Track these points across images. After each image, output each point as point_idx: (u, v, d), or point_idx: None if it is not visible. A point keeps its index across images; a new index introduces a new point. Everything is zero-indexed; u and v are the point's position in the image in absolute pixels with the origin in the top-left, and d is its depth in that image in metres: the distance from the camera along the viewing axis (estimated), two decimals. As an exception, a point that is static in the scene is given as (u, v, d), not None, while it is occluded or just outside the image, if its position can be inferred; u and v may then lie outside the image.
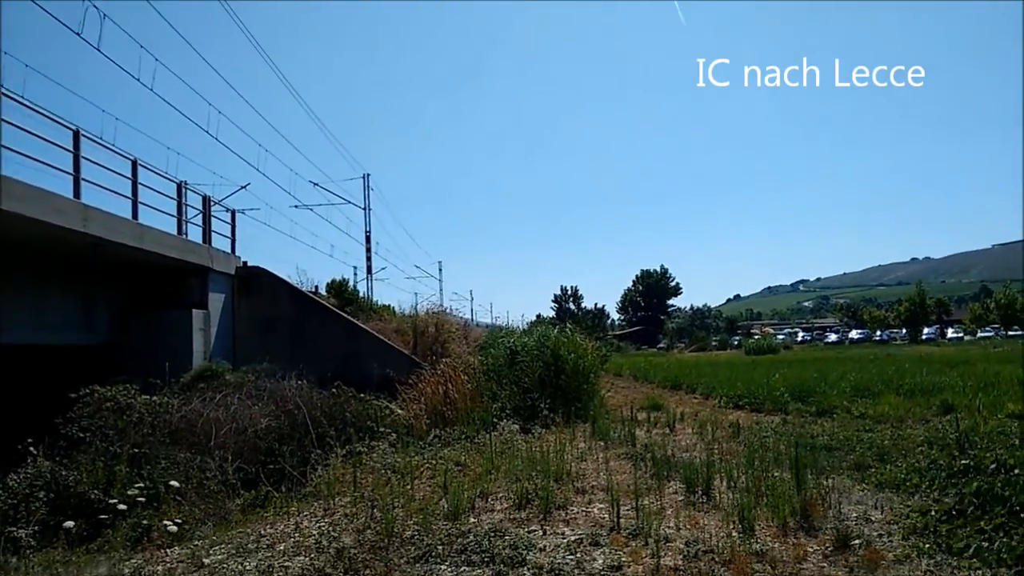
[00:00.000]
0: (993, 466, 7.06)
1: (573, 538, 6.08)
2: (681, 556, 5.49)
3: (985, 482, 6.25)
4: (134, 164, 13.06)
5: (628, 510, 6.61)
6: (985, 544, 5.16)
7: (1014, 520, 5.46)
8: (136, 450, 9.95)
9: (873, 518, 6.32)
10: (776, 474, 7.54)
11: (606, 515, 6.70)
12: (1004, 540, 5.13)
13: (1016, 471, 6.76)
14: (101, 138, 14.50)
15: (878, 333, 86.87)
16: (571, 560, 5.53)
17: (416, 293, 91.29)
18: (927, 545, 5.38)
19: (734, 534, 5.91)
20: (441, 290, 71.02)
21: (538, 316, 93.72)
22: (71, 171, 11.17)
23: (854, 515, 6.42)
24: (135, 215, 13.03)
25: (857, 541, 5.54)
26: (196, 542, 7.13)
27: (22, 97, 10.94)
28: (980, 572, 4.83)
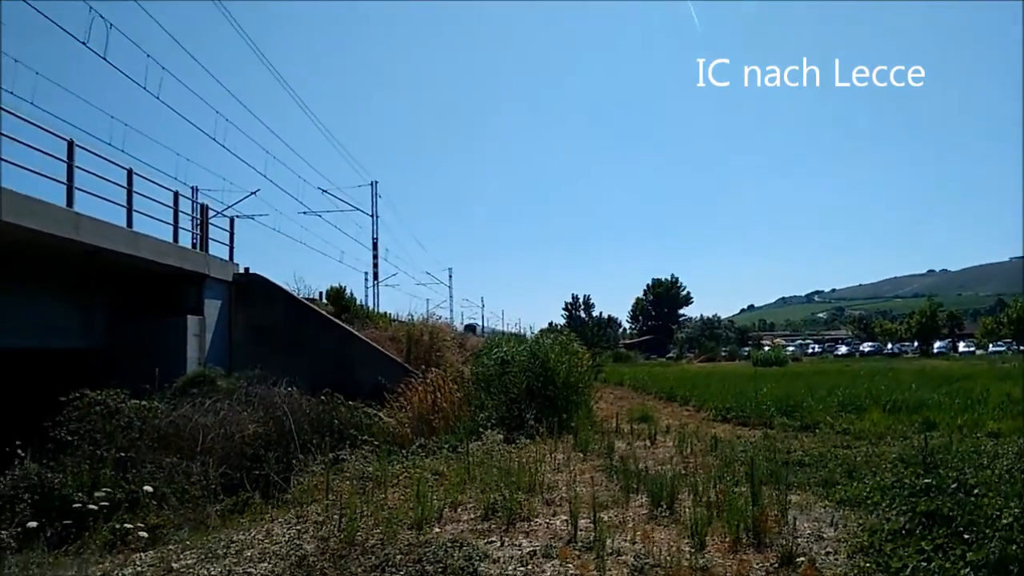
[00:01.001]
0: (954, 485, 7.12)
1: (528, 550, 6.20)
2: (628, 569, 5.62)
3: (936, 502, 6.33)
4: (129, 173, 13.37)
5: (590, 523, 6.74)
6: (924, 564, 5.25)
7: (955, 540, 5.54)
8: (122, 454, 10.19)
9: (826, 535, 6.41)
10: (740, 489, 7.64)
11: (568, 527, 6.82)
12: (941, 562, 5.22)
13: (976, 491, 6.84)
14: (110, 143, 14.89)
15: (889, 346, 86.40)
16: (520, 572, 5.66)
17: (428, 300, 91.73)
18: (868, 565, 5.48)
19: (685, 549, 6.02)
20: (451, 296, 71.39)
21: (550, 324, 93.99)
22: (65, 181, 11.47)
23: (808, 532, 6.51)
24: (130, 223, 13.33)
25: (801, 559, 5.65)
26: (170, 546, 7.30)
27: (22, 107, 11.31)
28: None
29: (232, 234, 17.84)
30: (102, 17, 12.68)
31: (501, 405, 13.63)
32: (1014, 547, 5.21)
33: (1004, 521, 5.71)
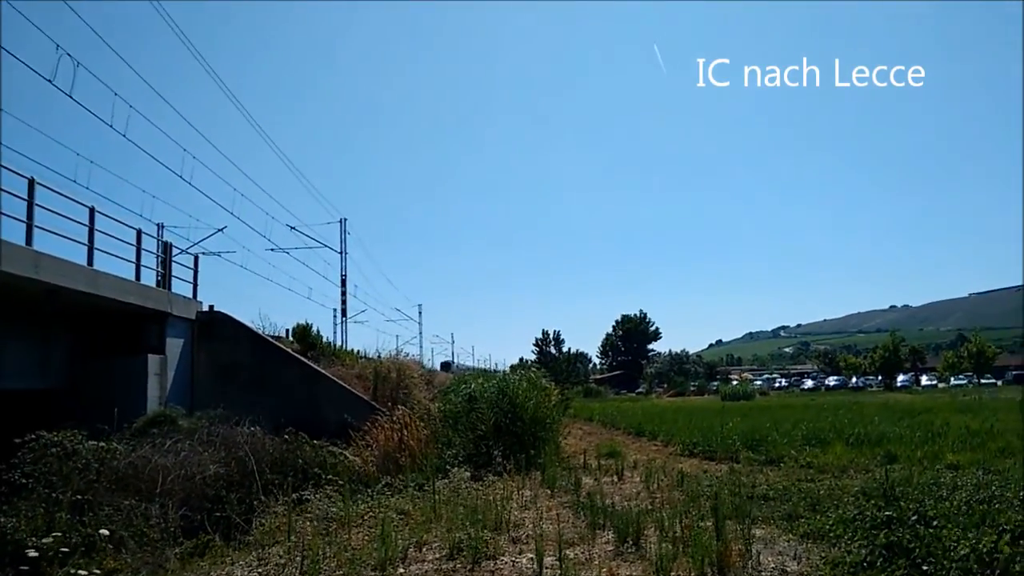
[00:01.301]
0: (914, 517, 7.22)
1: (494, 588, 6.16)
2: (592, 608, 5.60)
3: (896, 534, 6.41)
4: (91, 211, 13.20)
5: (555, 561, 6.69)
6: (883, 596, 5.30)
7: (915, 571, 5.62)
8: (79, 497, 9.90)
9: (789, 569, 6.45)
10: (706, 524, 7.66)
11: (534, 565, 6.77)
12: (900, 592, 5.28)
13: (935, 522, 6.95)
14: (75, 181, 14.73)
15: (854, 380, 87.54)
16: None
17: (398, 336, 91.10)
18: (830, 597, 5.52)
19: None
20: (421, 333, 70.97)
21: (520, 360, 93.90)
22: (24, 219, 11.31)
23: (772, 566, 6.54)
24: (90, 261, 13.12)
25: (765, 592, 5.67)
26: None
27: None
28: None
29: (196, 272, 17.62)
30: (69, 55, 12.65)
31: (468, 442, 13.55)
32: (970, 577, 5.30)
33: (961, 552, 5.82)
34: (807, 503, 9.16)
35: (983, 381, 72.33)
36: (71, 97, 12.57)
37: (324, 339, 20.13)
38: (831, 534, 7.44)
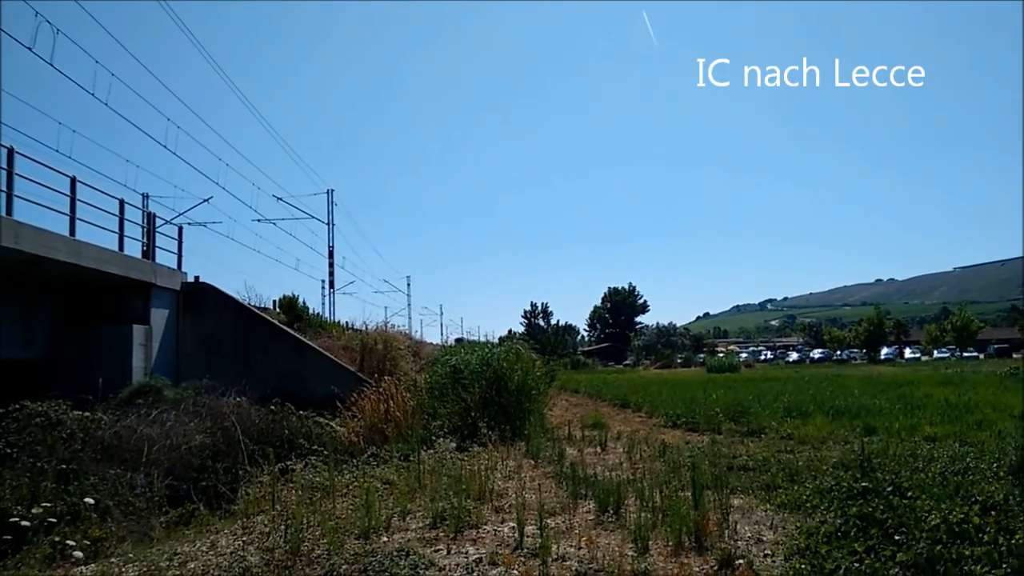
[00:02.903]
0: (889, 488, 7.37)
1: (475, 557, 6.24)
2: (571, 574, 5.69)
3: (870, 505, 6.54)
4: (72, 180, 13.11)
5: (536, 530, 6.79)
6: (855, 565, 5.42)
7: (887, 541, 5.74)
8: (64, 466, 9.96)
9: (765, 538, 6.57)
10: (684, 494, 7.78)
11: (515, 534, 6.87)
12: (872, 562, 5.40)
13: (909, 493, 7.10)
14: (57, 150, 14.61)
15: (838, 352, 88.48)
16: (461, 580, 5.71)
17: (386, 308, 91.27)
18: (804, 566, 5.63)
19: (629, 553, 6.12)
20: (409, 304, 71.37)
21: (509, 332, 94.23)
22: (3, 189, 11.21)
23: (748, 535, 6.66)
24: (72, 232, 13.06)
25: (740, 561, 5.78)
26: (112, 560, 7.17)
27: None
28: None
29: (181, 242, 17.62)
30: (48, 22, 12.43)
31: (454, 414, 13.65)
32: (939, 547, 5.42)
33: (933, 522, 5.94)
34: (785, 474, 9.29)
35: (965, 354, 73.31)
36: (52, 65, 12.42)
37: (311, 310, 20.14)
38: (807, 504, 7.56)
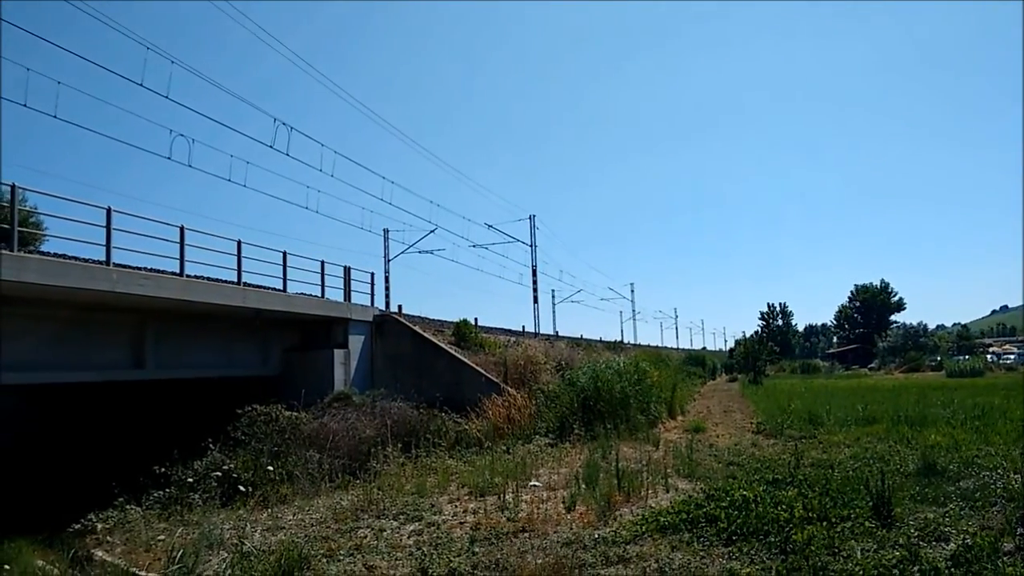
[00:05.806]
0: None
1: (472, 508, 9.94)
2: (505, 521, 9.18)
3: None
4: (284, 255, 18.75)
5: (525, 498, 10.29)
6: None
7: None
8: (276, 448, 15.03)
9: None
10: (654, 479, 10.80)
11: (509, 497, 10.40)
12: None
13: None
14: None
15: None
16: (448, 511, 9.51)
17: (620, 312, 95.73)
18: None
19: (562, 509, 9.46)
20: (634, 311, 75.92)
21: (743, 334, 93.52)
22: (235, 267, 16.99)
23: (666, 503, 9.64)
24: (285, 287, 18.65)
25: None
26: (285, 506, 11.82)
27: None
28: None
29: (373, 285, 23.18)
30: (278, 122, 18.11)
31: (555, 417, 17.17)
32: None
33: None
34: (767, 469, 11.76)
35: None
36: (287, 155, 18.08)
37: (479, 333, 24.51)
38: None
